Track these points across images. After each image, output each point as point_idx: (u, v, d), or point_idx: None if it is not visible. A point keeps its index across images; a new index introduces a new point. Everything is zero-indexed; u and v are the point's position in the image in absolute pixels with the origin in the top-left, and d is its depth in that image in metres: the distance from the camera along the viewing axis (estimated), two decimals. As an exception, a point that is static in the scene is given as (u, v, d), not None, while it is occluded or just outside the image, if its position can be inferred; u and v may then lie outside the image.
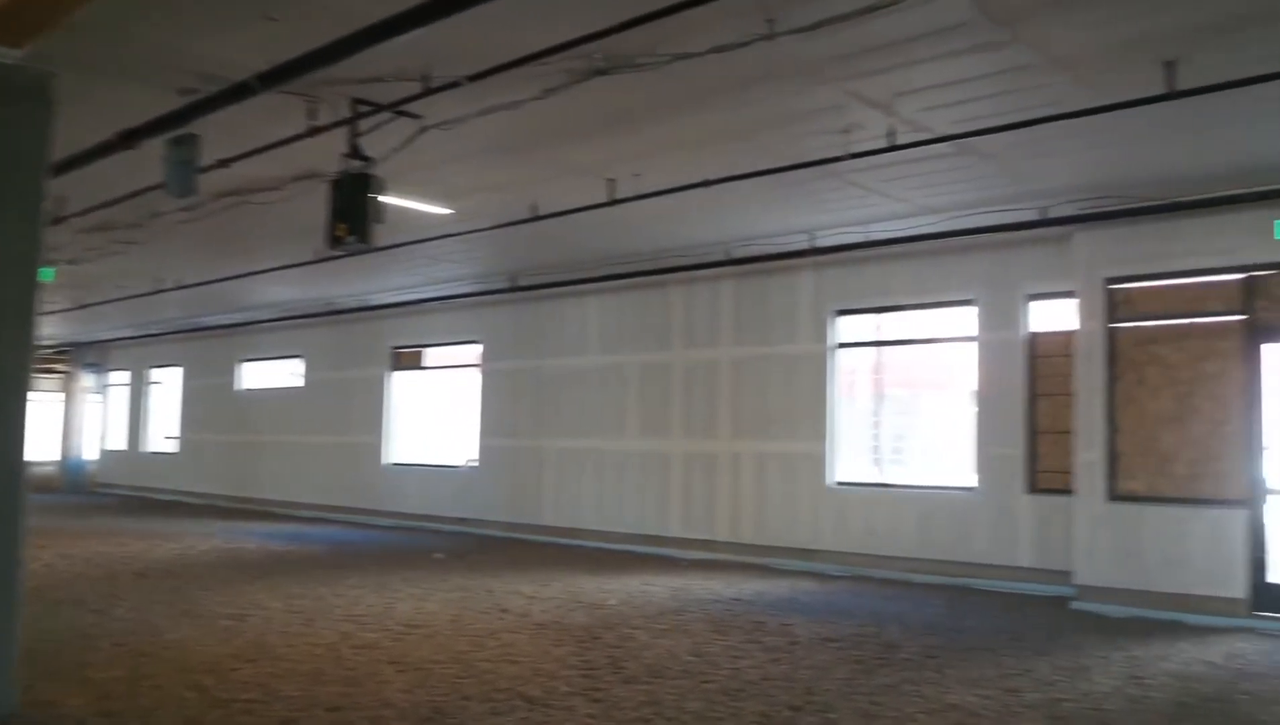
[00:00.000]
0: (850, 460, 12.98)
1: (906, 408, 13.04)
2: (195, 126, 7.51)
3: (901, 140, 8.01)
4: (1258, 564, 9.24)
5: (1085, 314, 10.29)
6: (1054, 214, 10.20)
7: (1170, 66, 6.51)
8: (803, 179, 9.33)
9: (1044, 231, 10.57)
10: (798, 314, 13.28)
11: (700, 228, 11.96)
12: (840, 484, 12.80)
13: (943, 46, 6.42)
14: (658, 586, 10.99)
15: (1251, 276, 9.47)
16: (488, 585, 10.73)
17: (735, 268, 13.25)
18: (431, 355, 18.60)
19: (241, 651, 7.27)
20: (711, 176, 9.20)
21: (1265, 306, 9.41)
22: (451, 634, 8.09)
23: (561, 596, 10.12)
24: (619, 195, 9.98)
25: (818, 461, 12.90)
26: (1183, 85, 6.58)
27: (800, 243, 12.14)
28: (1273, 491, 9.31)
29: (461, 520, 17.03)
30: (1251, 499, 9.32)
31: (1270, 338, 9.40)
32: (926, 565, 11.78)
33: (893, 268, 12.37)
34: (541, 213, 10.82)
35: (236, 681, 6.41)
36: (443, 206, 11.01)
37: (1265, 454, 9.35)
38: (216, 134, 7.82)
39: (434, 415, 18.67)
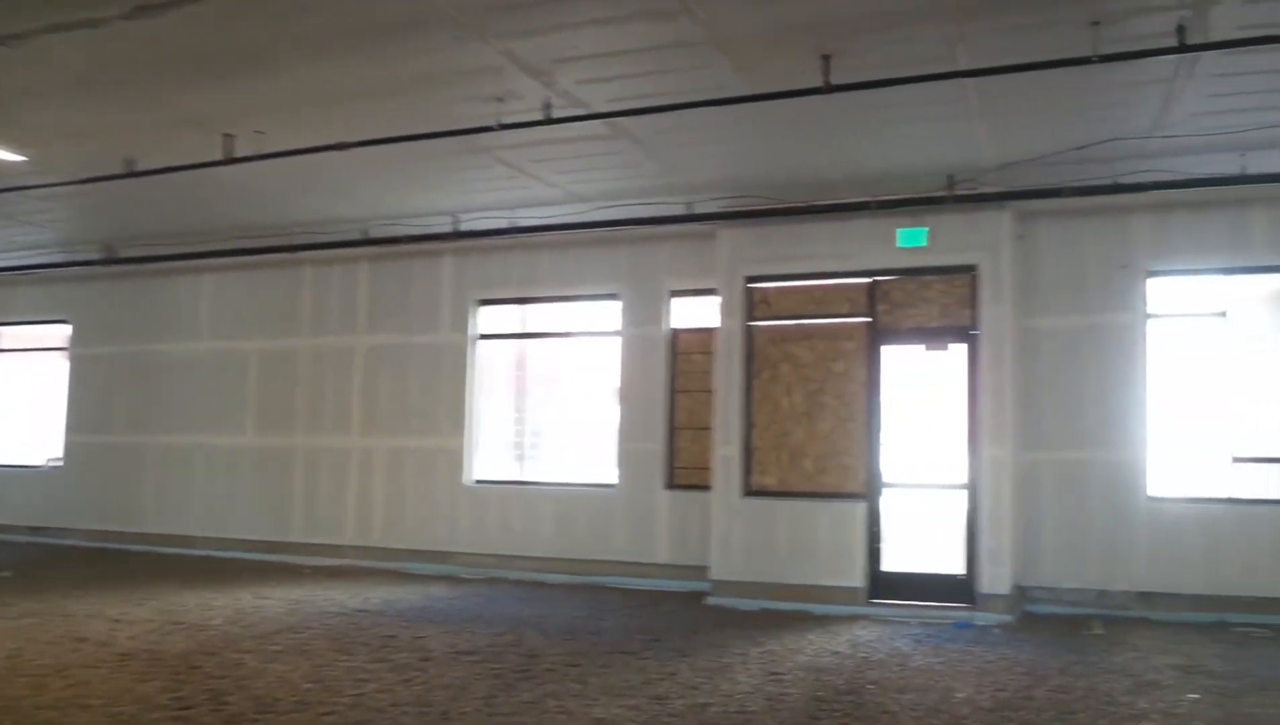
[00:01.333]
0: (489, 457, 12.43)
1: (549, 402, 12.70)
2: None
3: (557, 114, 7.52)
4: (874, 554, 9.74)
5: (725, 312, 10.42)
6: (700, 210, 10.24)
7: (827, 60, 6.49)
8: (450, 151, 8.62)
9: (689, 227, 10.59)
10: (439, 302, 12.55)
11: (336, 201, 10.86)
12: (479, 482, 12.23)
13: (609, 9, 5.97)
14: (274, 599, 9.80)
15: (875, 281, 9.98)
16: (64, 608, 9.04)
17: (374, 249, 12.27)
18: (6, 336, 15.98)
19: None
20: (348, 139, 8.21)
21: (886, 310, 9.95)
22: (5, 674, 6.55)
23: (157, 618, 8.68)
24: (238, 154, 8.70)
25: (456, 458, 12.24)
26: (836, 81, 6.59)
27: (444, 226, 11.41)
28: (888, 485, 9.86)
29: (39, 529, 14.65)
30: (870, 492, 9.82)
31: (889, 340, 9.96)
32: (565, 564, 11.48)
33: (539, 258, 12.00)
34: (140, 168, 9.24)
35: None
36: (10, 151, 9.12)
37: (882, 449, 9.88)
38: None
39: (7, 406, 15.96)
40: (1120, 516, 9.61)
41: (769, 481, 10.17)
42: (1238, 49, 5.97)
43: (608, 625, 8.84)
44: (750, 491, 10.19)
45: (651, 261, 11.49)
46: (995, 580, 9.28)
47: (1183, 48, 5.78)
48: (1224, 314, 9.84)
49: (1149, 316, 9.79)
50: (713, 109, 7.16)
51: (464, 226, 11.38)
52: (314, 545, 12.85)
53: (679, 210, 10.23)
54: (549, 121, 7.55)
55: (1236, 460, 9.57)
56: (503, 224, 11.15)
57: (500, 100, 7.42)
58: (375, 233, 11.78)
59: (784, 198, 9.80)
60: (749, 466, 10.23)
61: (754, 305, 10.37)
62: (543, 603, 9.99)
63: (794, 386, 10.15)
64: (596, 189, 10.08)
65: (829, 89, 6.55)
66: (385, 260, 12.71)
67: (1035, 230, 9.93)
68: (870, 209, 9.62)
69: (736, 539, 10.15)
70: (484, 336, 12.51)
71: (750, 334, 10.34)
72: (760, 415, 10.24)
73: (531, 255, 12.01)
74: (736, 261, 10.38)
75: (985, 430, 9.46)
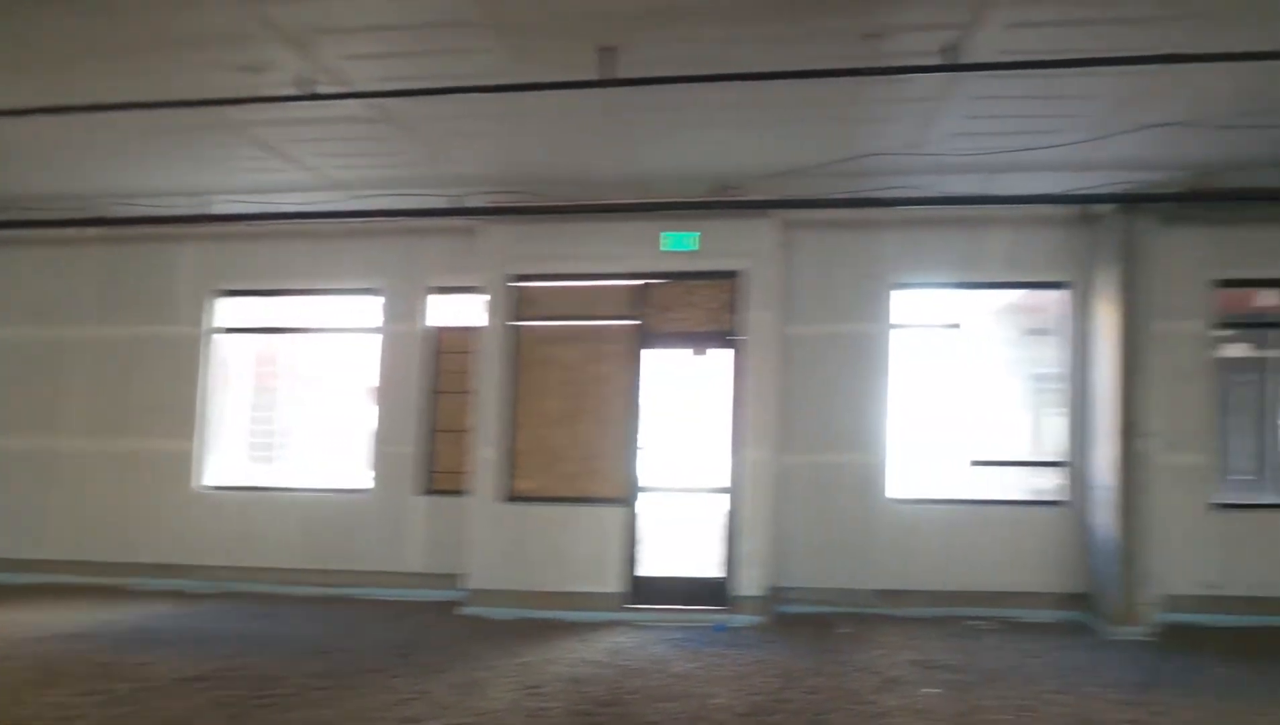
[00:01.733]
0: (227, 460, 11.50)
1: (298, 402, 11.89)
2: None
3: (318, 91, 6.95)
4: (632, 559, 9.69)
5: (489, 311, 10.09)
6: (466, 204, 9.87)
7: (604, 54, 6.31)
8: (195, 125, 7.85)
9: (455, 222, 10.21)
10: (175, 291, 11.47)
11: (56, 174, 9.70)
12: (213, 488, 11.26)
13: (376, -23, 5.56)
14: (-35, 622, 8.61)
15: (639, 284, 9.94)
16: None
17: (104, 230, 11.02)
18: None
19: None
20: (71, 102, 7.27)
21: (650, 313, 9.93)
22: None
23: None
24: (-68, 112, 7.56)
25: (187, 461, 11.22)
26: (620, 74, 6.43)
27: (185, 207, 10.42)
28: (647, 489, 9.83)
29: None
30: (628, 497, 9.76)
31: (655, 343, 9.94)
32: (312, 575, 10.77)
33: (292, 247, 11.19)
34: None
35: None
36: None
37: (642, 453, 9.85)
38: None
39: None
40: (864, 518, 10.03)
41: (529, 486, 9.91)
42: (997, 72, 6.28)
43: (356, 641, 8.31)
44: (510, 496, 9.89)
45: (414, 256, 10.97)
46: (750, 582, 9.43)
47: (949, 67, 6.02)
48: (958, 325, 10.48)
49: (893, 326, 10.29)
50: (485, 97, 6.83)
51: (210, 210, 10.45)
52: (19, 561, 11.41)
53: (444, 203, 9.81)
54: (308, 97, 6.96)
55: (975, 463, 10.21)
56: (254, 208, 10.32)
57: (254, 71, 6.79)
58: (107, 212, 10.61)
59: (554, 196, 9.60)
60: (510, 471, 9.93)
61: (519, 305, 10.10)
62: (286, 618, 9.29)
63: (556, 389, 9.95)
64: (358, 176, 9.52)
65: (603, 83, 6.39)
66: (117, 243, 11.47)
67: (797, 239, 10.21)
68: (640, 211, 9.56)
69: (494, 545, 9.83)
70: (226, 330, 11.55)
71: (514, 334, 10.06)
72: (523, 417, 9.97)
73: (283, 244, 11.18)
74: (502, 259, 10.07)
75: (748, 434, 9.61)
